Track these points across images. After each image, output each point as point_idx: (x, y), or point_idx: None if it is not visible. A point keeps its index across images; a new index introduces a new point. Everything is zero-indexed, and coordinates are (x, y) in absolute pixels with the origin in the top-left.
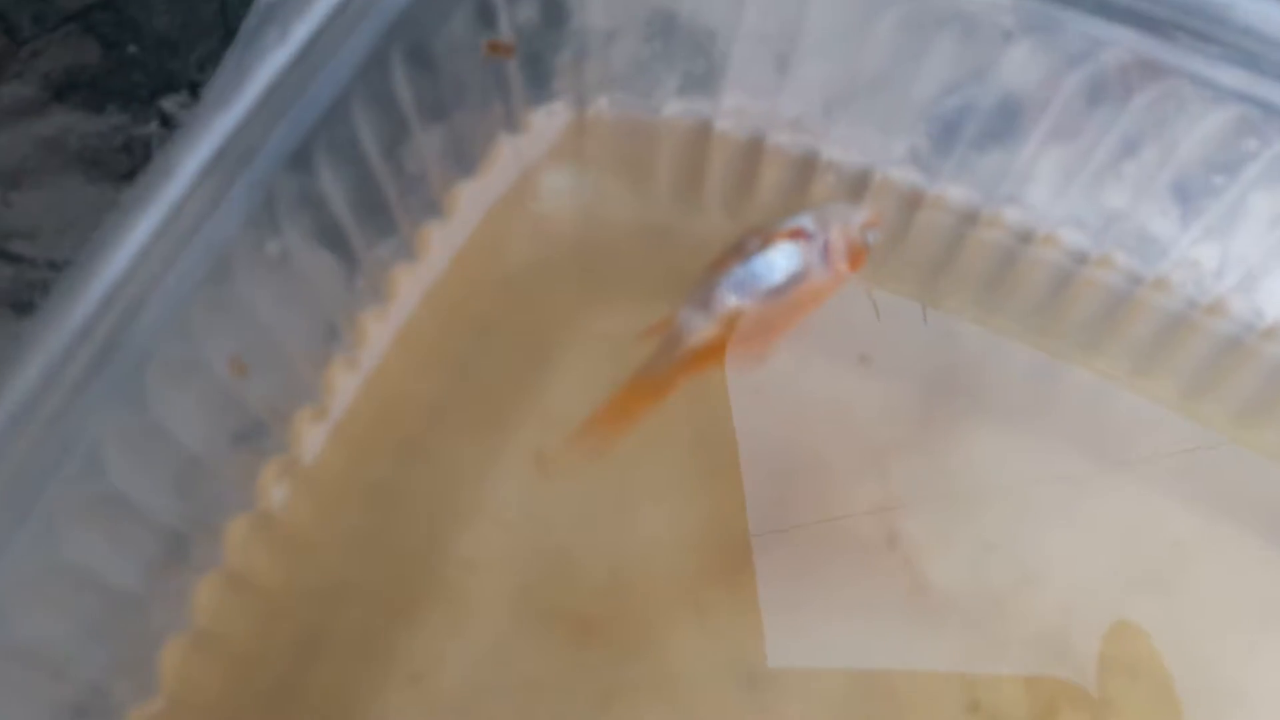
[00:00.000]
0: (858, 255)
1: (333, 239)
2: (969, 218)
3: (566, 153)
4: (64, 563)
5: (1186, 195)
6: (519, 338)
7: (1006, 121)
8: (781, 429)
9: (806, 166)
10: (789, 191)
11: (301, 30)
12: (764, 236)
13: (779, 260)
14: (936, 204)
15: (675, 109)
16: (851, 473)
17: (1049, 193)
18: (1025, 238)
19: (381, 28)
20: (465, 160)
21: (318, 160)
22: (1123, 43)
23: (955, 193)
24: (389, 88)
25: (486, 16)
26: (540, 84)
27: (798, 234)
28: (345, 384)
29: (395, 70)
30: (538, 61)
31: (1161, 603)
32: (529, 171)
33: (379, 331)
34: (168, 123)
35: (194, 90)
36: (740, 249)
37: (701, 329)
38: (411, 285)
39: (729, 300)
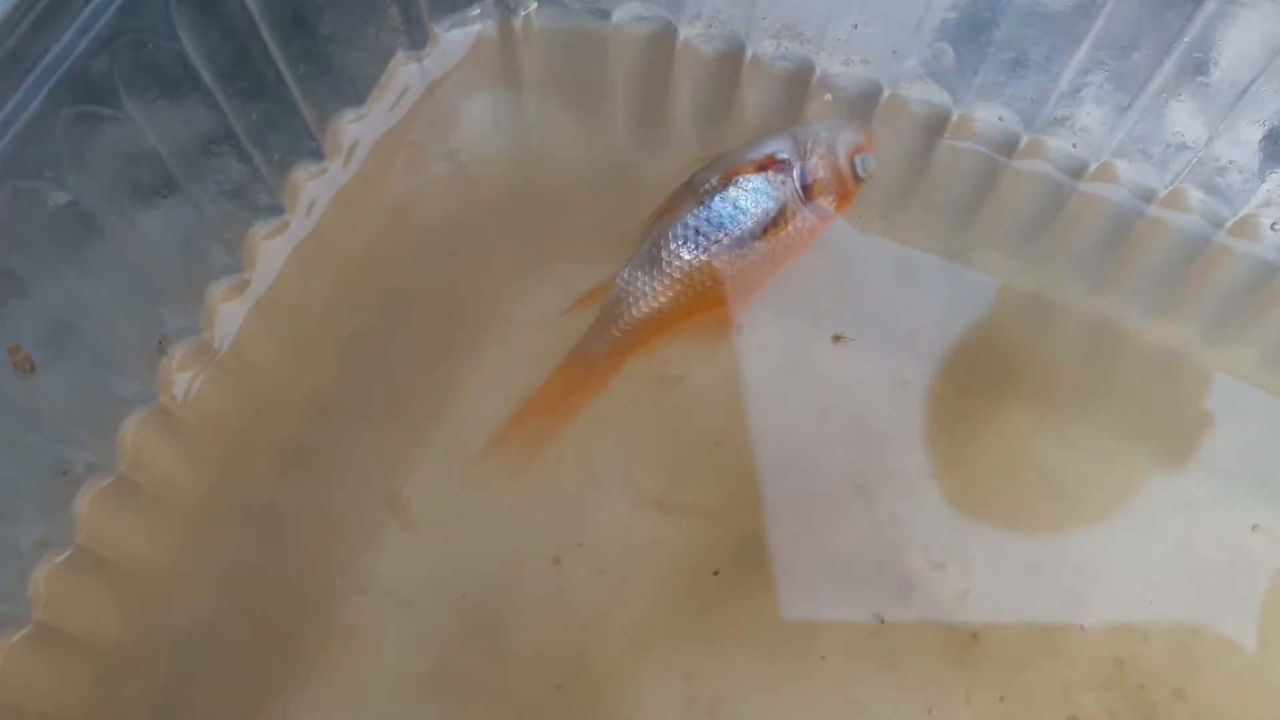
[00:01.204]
0: (848, 190)
1: (161, 188)
2: (1003, 146)
3: (491, 75)
4: None
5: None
6: (435, 316)
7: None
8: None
9: (797, 84)
10: (775, 117)
11: None
12: (725, 170)
13: (744, 200)
14: (961, 129)
15: (628, 14)
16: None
17: (1102, 116)
18: (1074, 172)
19: None
20: (350, 86)
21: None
22: None
23: (984, 115)
24: None
25: None
26: None
27: (768, 164)
28: (187, 380)
29: None
30: None
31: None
32: (441, 101)
33: (235, 309)
34: None
35: None
36: (695, 188)
37: (649, 293)
38: (281, 254)
39: (683, 254)
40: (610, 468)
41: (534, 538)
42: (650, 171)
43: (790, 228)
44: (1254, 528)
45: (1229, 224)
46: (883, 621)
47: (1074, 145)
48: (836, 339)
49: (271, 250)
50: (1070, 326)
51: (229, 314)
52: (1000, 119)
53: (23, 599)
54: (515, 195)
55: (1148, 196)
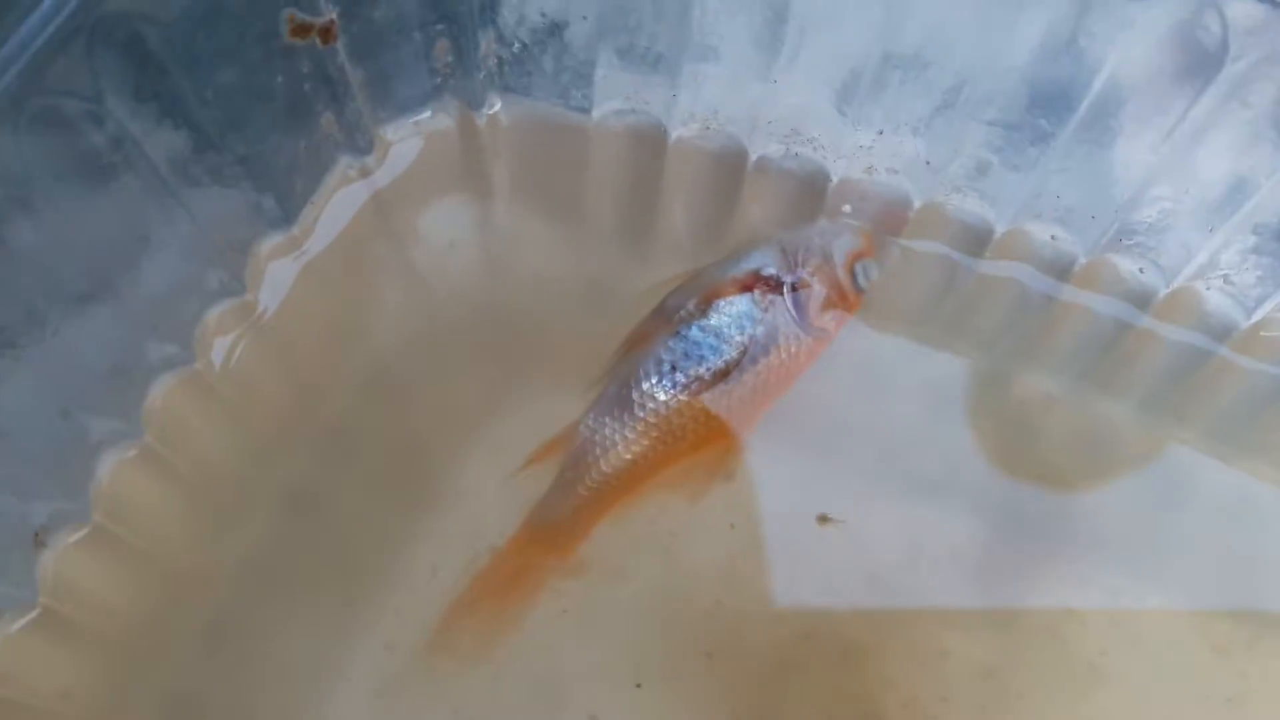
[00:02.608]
0: (849, 303)
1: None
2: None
3: (452, 181)
4: None
5: None
6: (383, 463)
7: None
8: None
9: (810, 192)
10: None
11: None
12: (703, 292)
13: (727, 327)
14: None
15: (610, 109)
16: None
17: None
18: (1141, 300)
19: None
20: (281, 202)
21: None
22: None
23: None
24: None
25: None
26: (395, 81)
27: (753, 282)
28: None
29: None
30: (384, 46)
31: None
32: (394, 214)
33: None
34: None
35: None
36: (669, 314)
37: (619, 442)
38: (198, 402)
39: (659, 395)
40: (580, 654)
41: None
42: (639, 290)
43: (783, 354)
44: None
45: None
46: None
47: (1141, 270)
48: (823, 520)
49: (182, 408)
50: (1131, 461)
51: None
52: (1053, 238)
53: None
54: (482, 317)
55: (1224, 334)
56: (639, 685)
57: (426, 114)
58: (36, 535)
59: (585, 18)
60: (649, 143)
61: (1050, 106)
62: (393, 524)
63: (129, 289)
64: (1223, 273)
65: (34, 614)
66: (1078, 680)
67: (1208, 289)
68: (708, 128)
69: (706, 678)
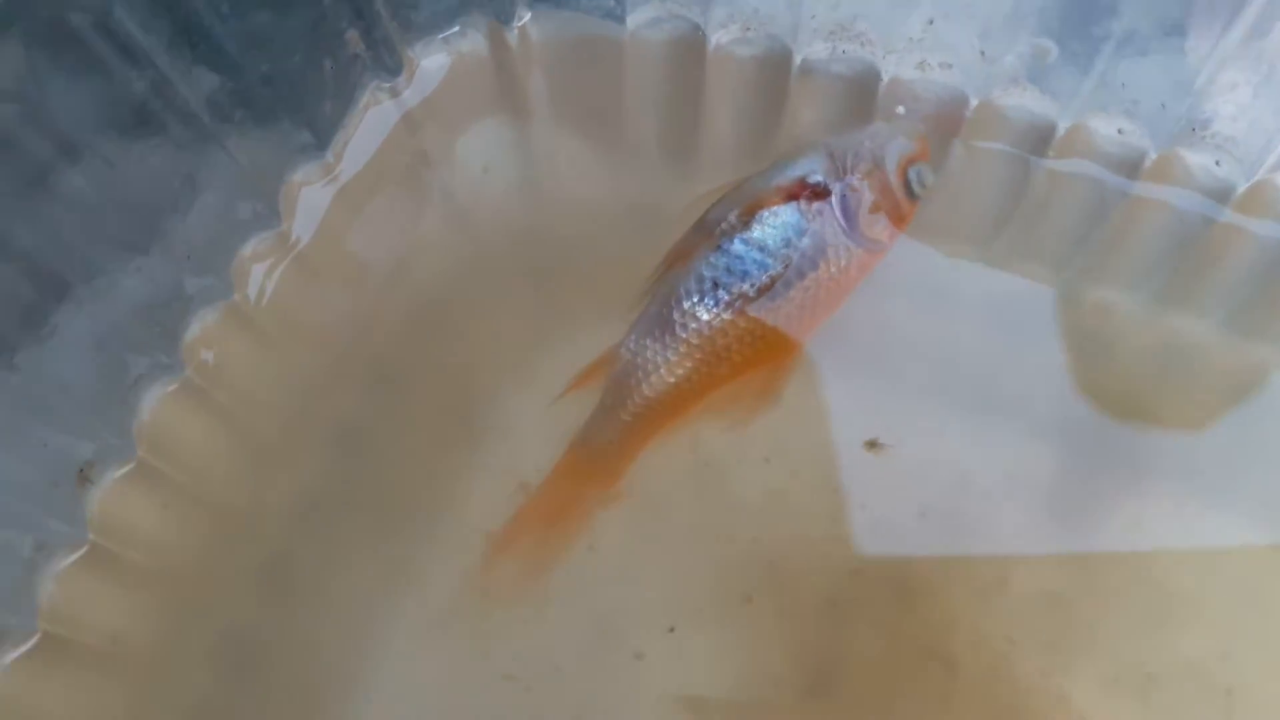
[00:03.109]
0: (902, 212)
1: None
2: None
3: (486, 102)
4: None
5: None
6: (430, 399)
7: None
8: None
9: (860, 95)
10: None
11: None
12: (746, 203)
13: (772, 239)
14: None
15: (645, 17)
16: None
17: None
18: (1219, 195)
19: None
20: (307, 127)
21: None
22: None
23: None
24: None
25: None
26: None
27: (799, 190)
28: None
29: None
30: None
31: None
32: (427, 138)
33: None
34: None
35: None
36: (710, 228)
37: (661, 364)
38: (246, 342)
39: (701, 313)
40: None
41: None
42: (683, 209)
43: (832, 268)
44: None
45: None
46: None
47: (1217, 162)
48: (871, 446)
49: (224, 338)
50: (1215, 381)
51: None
52: (1120, 131)
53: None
54: (522, 243)
55: None
56: (672, 629)
57: (455, 29)
58: (81, 471)
59: None
60: (688, 50)
61: None
62: (439, 458)
63: (168, 225)
64: None
65: (83, 550)
66: (1154, 610)
67: None
68: (748, 30)
69: (748, 622)
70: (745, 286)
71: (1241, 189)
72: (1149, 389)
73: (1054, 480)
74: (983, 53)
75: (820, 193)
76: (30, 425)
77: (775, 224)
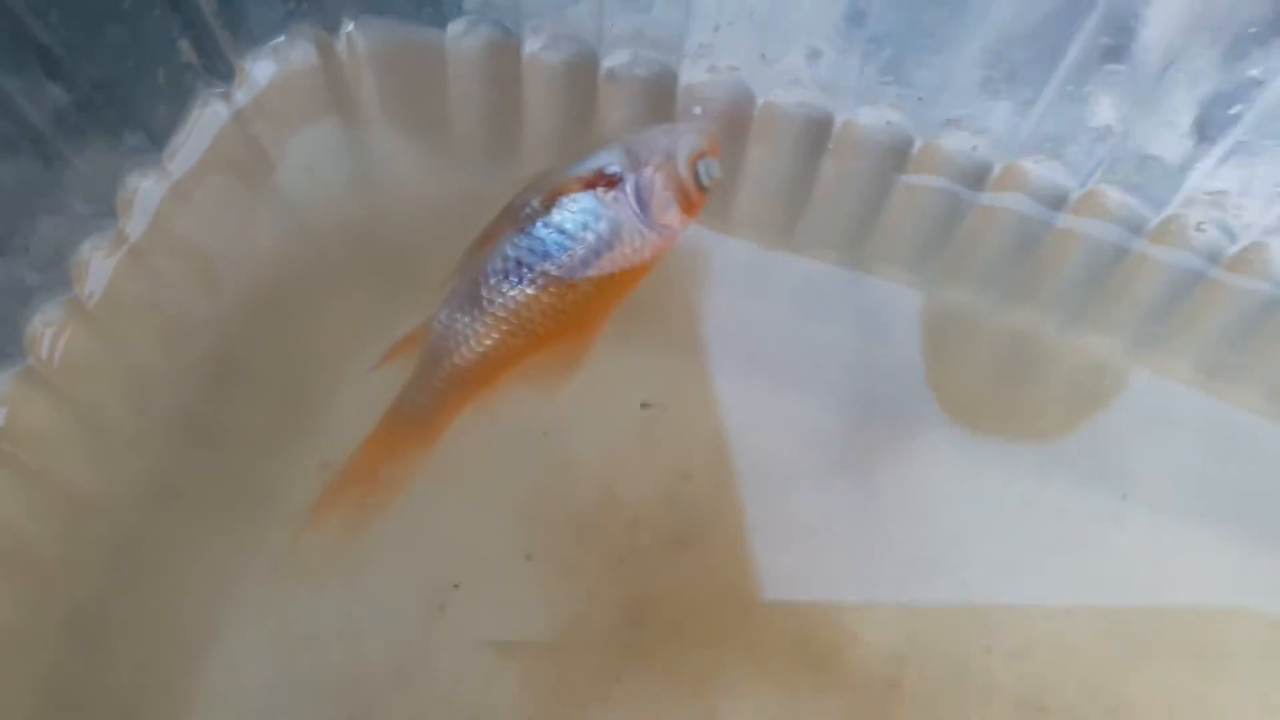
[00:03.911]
0: (691, 201)
1: None
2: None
3: (317, 105)
4: None
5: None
6: (270, 376)
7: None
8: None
9: (660, 97)
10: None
11: None
12: (549, 190)
13: (572, 222)
14: (845, 137)
15: (462, 26)
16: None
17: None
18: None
19: None
20: (142, 131)
21: None
22: None
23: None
24: None
25: None
26: (252, 6)
27: (597, 180)
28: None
29: None
30: None
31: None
32: (256, 139)
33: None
34: None
35: None
36: (515, 213)
37: (469, 336)
38: (76, 330)
39: (506, 290)
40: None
41: None
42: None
43: (628, 249)
44: None
45: (1152, 227)
46: None
47: (974, 148)
48: (645, 407)
49: (64, 331)
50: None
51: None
52: (889, 123)
53: None
54: (358, 237)
55: (1059, 202)
56: (456, 586)
57: (283, 38)
58: None
59: None
60: (504, 56)
61: None
62: (281, 443)
63: (6, 223)
64: (1049, 145)
65: None
66: (927, 548)
67: (1037, 163)
68: (556, 36)
69: (536, 577)
70: (547, 265)
71: (997, 170)
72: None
73: (827, 436)
74: (763, 55)
75: (616, 182)
76: None
77: (574, 209)
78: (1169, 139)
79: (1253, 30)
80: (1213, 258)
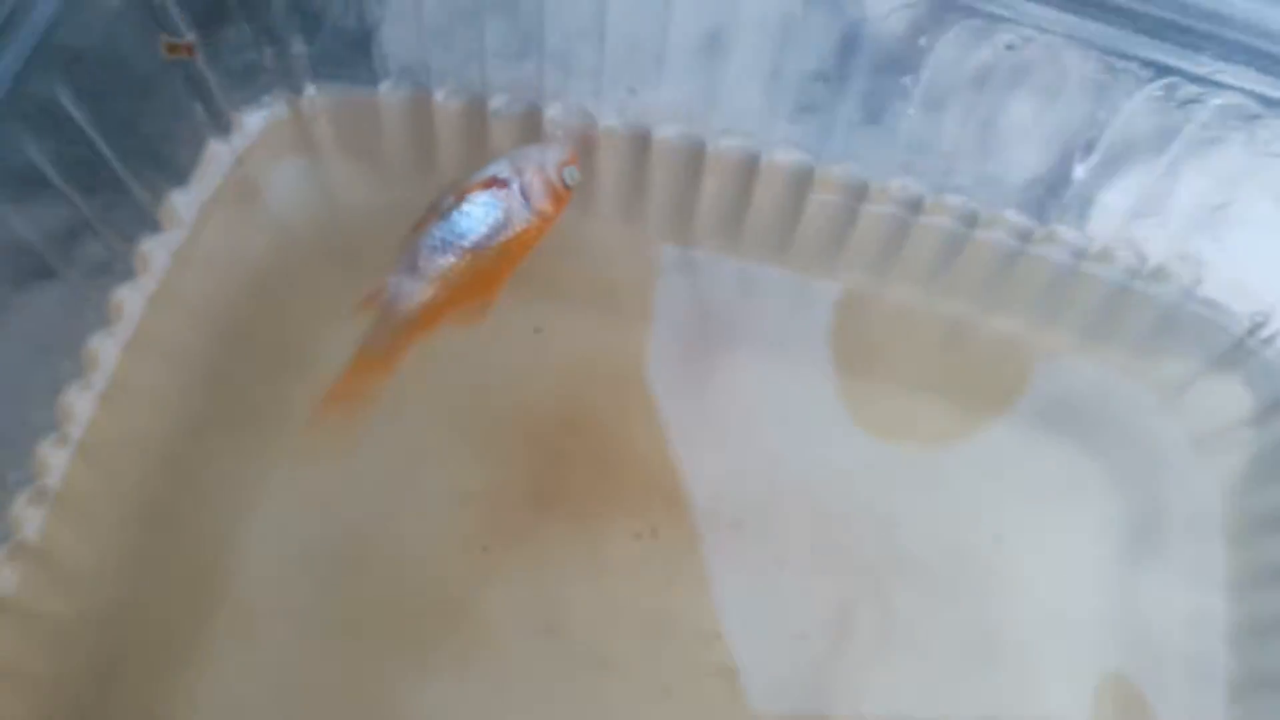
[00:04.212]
0: (559, 196)
1: (38, 272)
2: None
3: (292, 145)
4: None
5: None
6: (271, 336)
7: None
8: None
9: (531, 125)
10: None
11: None
12: (459, 191)
13: (477, 212)
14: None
15: (388, 85)
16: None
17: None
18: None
19: (32, 40)
20: (173, 169)
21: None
22: None
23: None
24: (54, 104)
25: (157, 15)
26: (242, 79)
27: (492, 183)
28: (84, 409)
29: (56, 84)
30: (230, 55)
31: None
32: (250, 171)
33: (110, 353)
34: None
35: None
36: (438, 208)
37: (413, 293)
38: (138, 303)
39: (436, 260)
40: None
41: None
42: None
43: (517, 229)
44: None
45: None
46: None
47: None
48: (537, 331)
49: (131, 300)
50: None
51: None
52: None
53: None
54: (321, 235)
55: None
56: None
57: (267, 97)
58: None
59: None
60: (421, 104)
61: None
62: (288, 373)
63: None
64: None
65: None
66: (734, 456)
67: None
68: (456, 89)
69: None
70: (463, 243)
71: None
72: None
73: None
74: (632, 89)
75: (505, 184)
76: None
77: (478, 202)
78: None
79: None
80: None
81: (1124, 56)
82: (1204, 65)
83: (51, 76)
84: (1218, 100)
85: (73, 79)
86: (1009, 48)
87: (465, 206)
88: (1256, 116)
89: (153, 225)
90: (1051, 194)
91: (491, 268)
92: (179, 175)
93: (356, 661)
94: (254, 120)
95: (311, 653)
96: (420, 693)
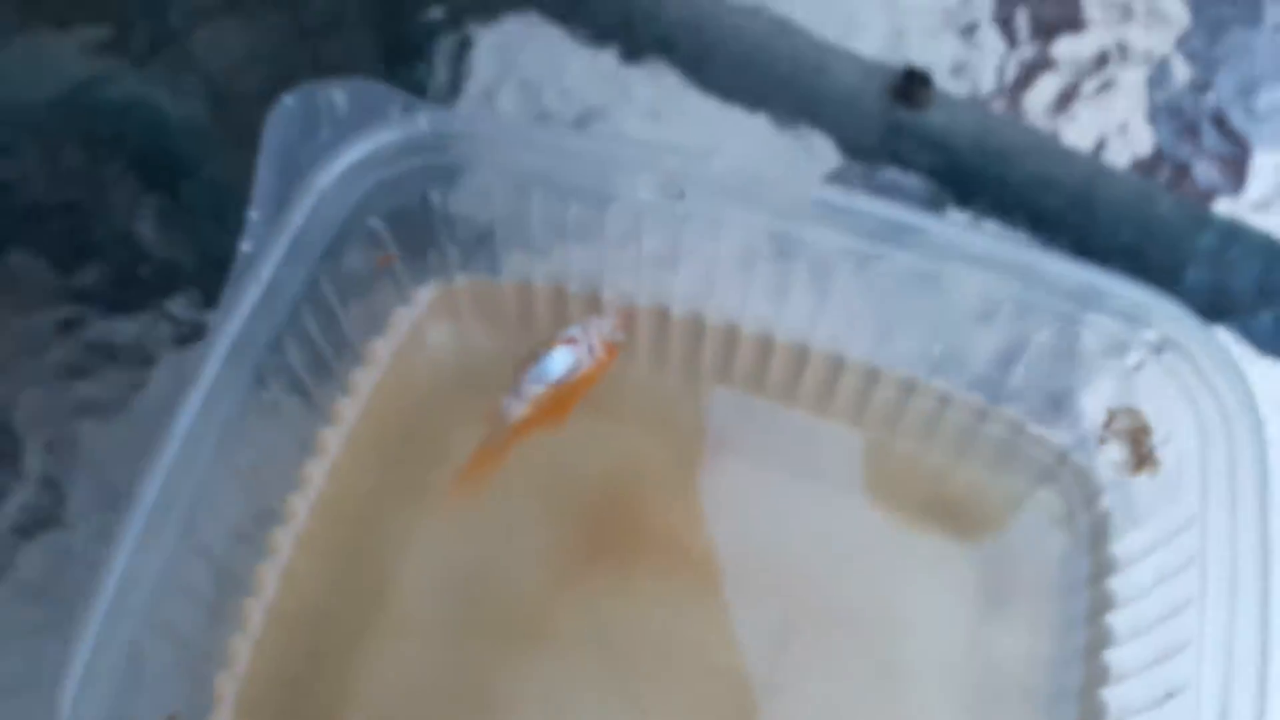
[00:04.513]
0: (611, 350)
1: (298, 388)
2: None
3: (442, 312)
4: None
5: None
6: (426, 437)
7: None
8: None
9: (593, 301)
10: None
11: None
12: (547, 345)
13: (558, 358)
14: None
15: (506, 276)
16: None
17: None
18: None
19: (314, 258)
20: (377, 325)
21: (287, 342)
22: None
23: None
24: (325, 297)
25: (376, 243)
26: (417, 272)
27: (569, 340)
28: (313, 484)
29: (326, 285)
30: (413, 260)
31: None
32: (419, 328)
33: (333, 444)
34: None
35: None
36: (534, 355)
37: (516, 409)
38: (351, 411)
39: (531, 389)
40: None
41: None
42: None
43: (585, 371)
44: None
45: None
46: None
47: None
48: (595, 438)
49: (348, 413)
50: None
51: (332, 446)
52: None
53: None
54: (460, 372)
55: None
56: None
57: (432, 282)
58: None
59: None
60: (525, 289)
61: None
62: (436, 457)
63: None
64: None
65: None
66: None
67: None
68: (543, 276)
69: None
70: (549, 378)
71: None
72: None
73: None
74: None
75: (575, 340)
76: None
77: (560, 353)
78: None
79: None
80: None
81: None
82: None
83: (322, 281)
84: None
85: (334, 279)
86: None
87: (551, 354)
88: None
89: (362, 361)
90: None
91: (567, 396)
92: (379, 329)
93: (473, 656)
94: (423, 295)
95: (446, 650)
96: (514, 679)
